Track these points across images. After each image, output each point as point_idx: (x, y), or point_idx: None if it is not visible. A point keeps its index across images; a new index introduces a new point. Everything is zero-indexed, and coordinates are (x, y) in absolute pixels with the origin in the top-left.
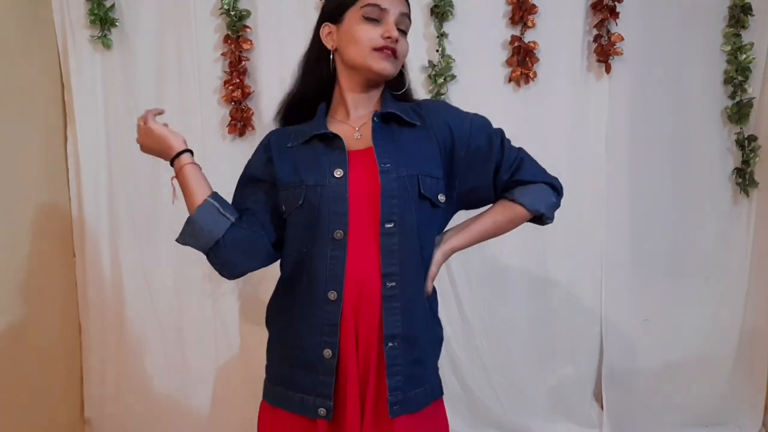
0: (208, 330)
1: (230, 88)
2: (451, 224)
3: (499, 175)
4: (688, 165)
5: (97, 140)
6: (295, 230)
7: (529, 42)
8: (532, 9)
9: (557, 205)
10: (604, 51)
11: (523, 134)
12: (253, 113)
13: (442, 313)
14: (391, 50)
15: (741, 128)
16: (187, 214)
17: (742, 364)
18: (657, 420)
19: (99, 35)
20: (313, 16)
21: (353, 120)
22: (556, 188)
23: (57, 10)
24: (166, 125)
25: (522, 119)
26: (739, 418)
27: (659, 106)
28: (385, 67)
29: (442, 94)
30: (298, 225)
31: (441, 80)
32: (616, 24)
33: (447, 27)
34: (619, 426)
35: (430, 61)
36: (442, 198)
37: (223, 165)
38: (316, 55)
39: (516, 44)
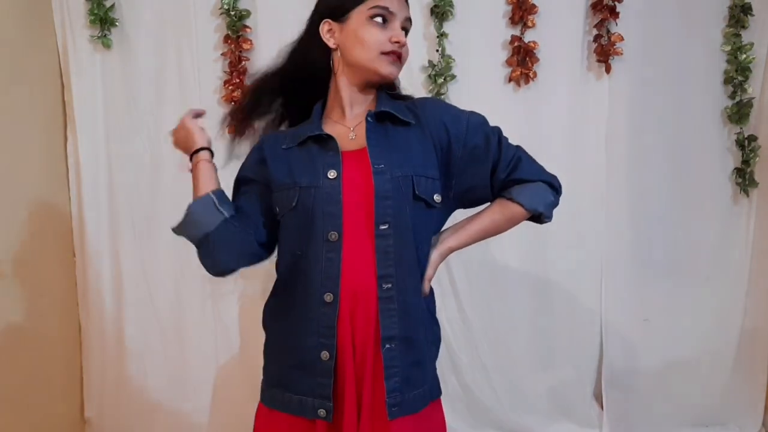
0: (208, 330)
1: (230, 88)
2: (449, 223)
3: (496, 174)
4: (688, 165)
5: (97, 140)
6: (290, 232)
7: (529, 42)
8: (532, 9)
9: (556, 204)
10: (604, 51)
11: (523, 134)
12: None
13: (442, 313)
14: (397, 55)
15: (741, 128)
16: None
17: (742, 364)
18: (657, 420)
19: (99, 35)
20: None
21: (349, 119)
22: (554, 187)
23: (57, 10)
24: (202, 128)
25: (522, 119)
26: (739, 418)
27: (659, 106)
28: (392, 71)
29: (442, 94)
30: (292, 227)
31: (441, 80)
32: (616, 24)
33: (447, 27)
34: (619, 426)
35: (430, 61)
36: (437, 198)
37: (222, 164)
38: (314, 51)
39: (516, 44)
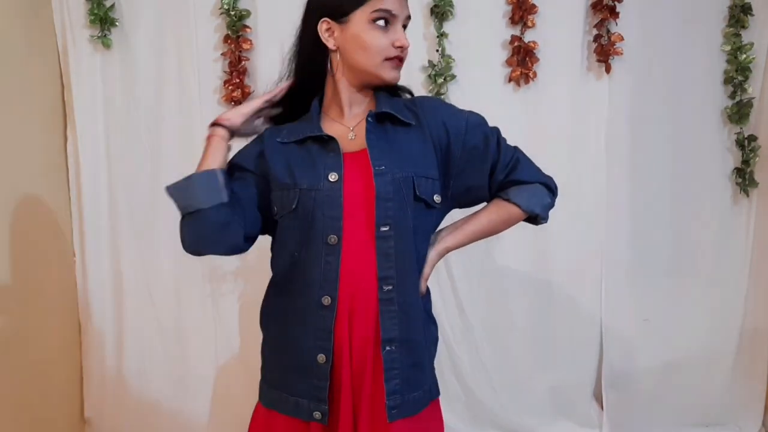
0: (208, 330)
1: (230, 88)
2: (445, 222)
3: (494, 175)
4: (688, 165)
5: (97, 140)
6: (288, 233)
7: (529, 42)
8: (532, 9)
9: (552, 206)
10: (604, 51)
11: (523, 134)
12: None
13: (443, 314)
14: (400, 59)
15: (741, 128)
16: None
17: (742, 364)
18: (657, 420)
19: (99, 35)
20: None
21: (347, 119)
22: (551, 188)
23: (57, 10)
24: (246, 114)
25: (522, 119)
26: (739, 418)
27: (659, 106)
28: (395, 76)
29: (442, 94)
30: (291, 228)
31: (441, 80)
32: (616, 24)
33: (447, 27)
34: (619, 426)
35: (430, 61)
36: (437, 199)
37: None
38: (312, 51)
39: (516, 44)
